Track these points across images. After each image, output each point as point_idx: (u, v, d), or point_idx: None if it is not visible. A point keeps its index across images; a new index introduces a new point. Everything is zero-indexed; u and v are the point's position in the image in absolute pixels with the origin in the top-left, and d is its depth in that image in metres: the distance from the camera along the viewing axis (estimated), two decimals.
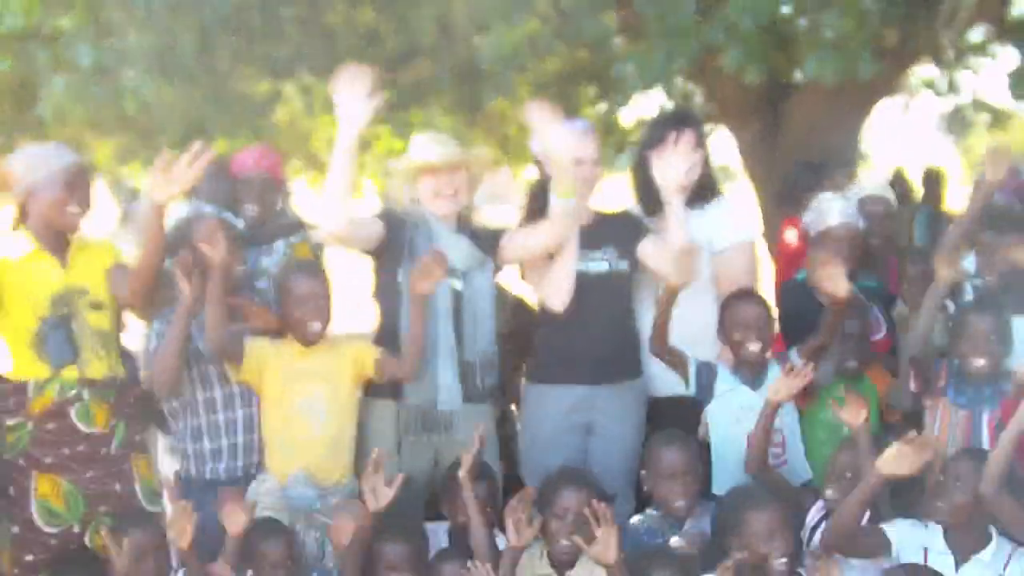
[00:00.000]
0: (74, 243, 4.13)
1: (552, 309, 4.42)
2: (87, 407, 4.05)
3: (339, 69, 4.00)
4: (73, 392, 4.03)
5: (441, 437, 4.28)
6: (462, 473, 4.01)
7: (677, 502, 4.05)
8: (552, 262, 4.41)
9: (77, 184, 4.07)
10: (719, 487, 4.17)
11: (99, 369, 4.09)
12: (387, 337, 4.28)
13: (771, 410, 4.06)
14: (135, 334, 4.48)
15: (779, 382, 4.04)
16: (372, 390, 4.34)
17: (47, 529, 4.02)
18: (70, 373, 4.03)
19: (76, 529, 4.06)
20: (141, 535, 3.84)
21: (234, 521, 3.85)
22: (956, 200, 10.98)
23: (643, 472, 4.17)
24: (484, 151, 4.63)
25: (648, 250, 4.46)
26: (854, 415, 3.93)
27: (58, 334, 4.01)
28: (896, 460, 3.58)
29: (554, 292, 4.41)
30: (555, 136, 4.16)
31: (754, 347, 4.27)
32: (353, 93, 4.03)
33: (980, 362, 3.96)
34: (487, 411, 4.46)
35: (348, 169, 4.14)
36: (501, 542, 4.03)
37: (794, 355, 4.32)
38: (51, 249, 4.07)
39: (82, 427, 4.05)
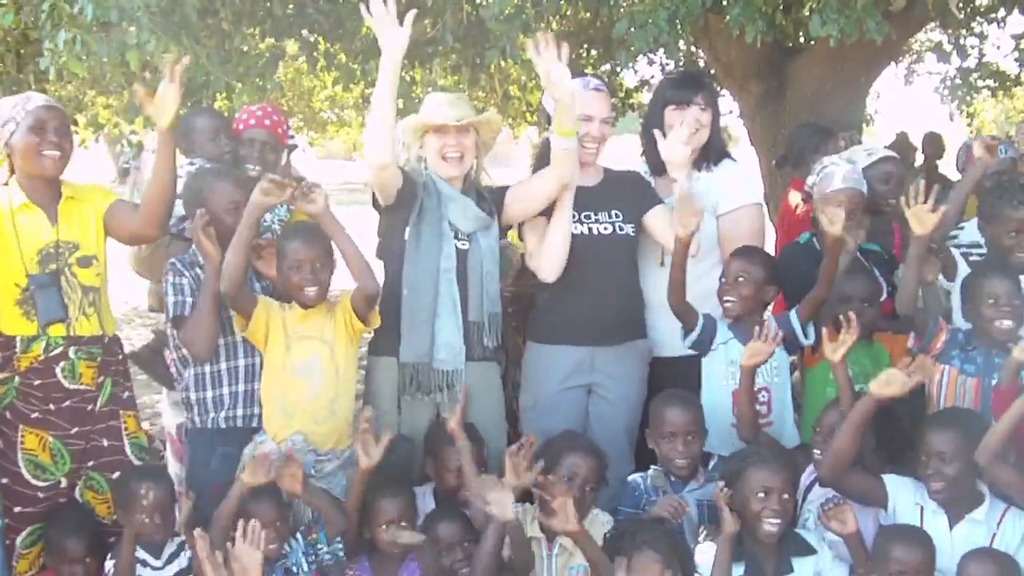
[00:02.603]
0: (64, 195, 4.08)
1: (544, 279, 4.42)
2: (73, 364, 4.04)
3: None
4: (59, 350, 4.02)
5: (442, 396, 4.27)
6: (451, 425, 4.03)
7: (678, 461, 4.08)
8: (547, 229, 4.39)
9: (46, 127, 3.99)
10: (709, 443, 4.19)
11: (87, 327, 4.07)
12: (390, 296, 4.26)
13: (747, 375, 4.08)
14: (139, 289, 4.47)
15: (750, 347, 4.05)
16: (375, 348, 4.37)
17: (35, 482, 4.04)
18: (56, 331, 4.01)
19: (63, 484, 4.08)
20: (154, 491, 3.86)
21: (254, 475, 3.86)
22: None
23: (647, 430, 4.19)
24: (494, 114, 4.57)
25: (655, 221, 4.47)
26: (833, 348, 3.95)
27: (48, 293, 3.97)
28: (887, 383, 3.63)
29: (547, 260, 4.40)
30: (556, 72, 4.11)
31: (730, 303, 4.31)
32: (386, 20, 3.99)
33: (1007, 324, 3.92)
34: (493, 369, 4.47)
35: (392, 98, 4.09)
36: None
37: (794, 317, 4.33)
38: (40, 202, 4.03)
39: (68, 384, 4.04)
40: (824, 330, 4.06)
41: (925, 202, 3.99)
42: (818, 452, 3.97)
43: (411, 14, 4.01)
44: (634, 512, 4.07)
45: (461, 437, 4.04)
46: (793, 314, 4.34)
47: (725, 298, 4.30)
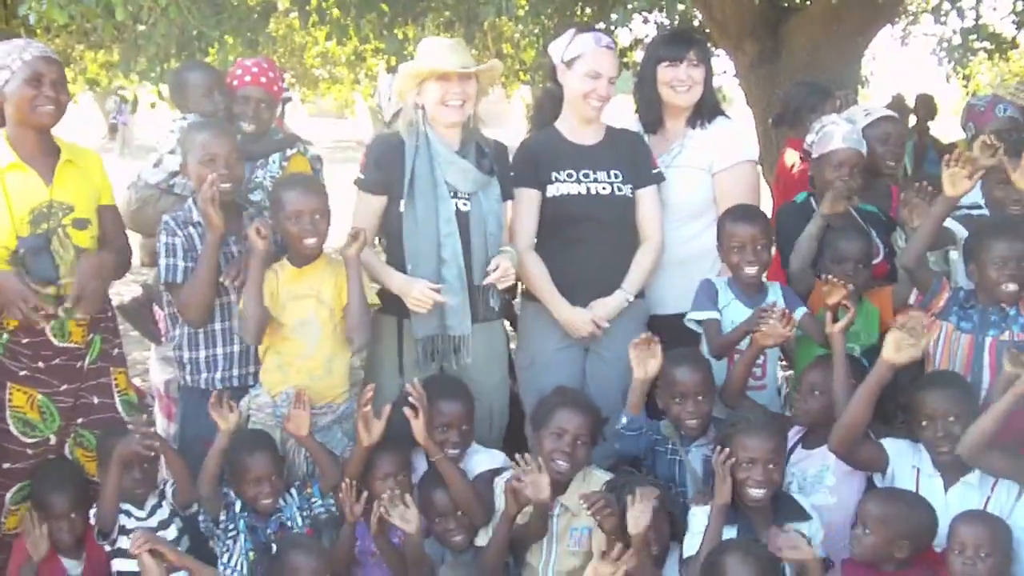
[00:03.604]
0: (62, 155, 4.00)
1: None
2: (62, 323, 3.99)
3: None
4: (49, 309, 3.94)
5: (449, 361, 4.25)
6: (419, 438, 3.97)
7: (689, 421, 4.05)
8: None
9: (43, 80, 3.86)
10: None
11: None
12: (393, 260, 4.24)
13: (755, 351, 4.06)
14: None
15: (771, 328, 3.99)
16: (380, 306, 4.29)
17: (23, 439, 4.01)
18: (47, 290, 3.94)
19: (52, 441, 4.06)
20: (130, 447, 3.85)
21: (224, 419, 3.88)
22: (949, 126, 10.94)
23: (657, 391, 4.15)
24: (497, 62, 4.52)
25: (642, 205, 4.44)
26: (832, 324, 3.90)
27: (39, 255, 3.87)
28: (898, 348, 3.60)
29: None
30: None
31: (750, 270, 4.26)
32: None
33: (1012, 287, 3.88)
34: (497, 329, 4.47)
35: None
36: (487, 460, 4.08)
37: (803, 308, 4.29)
38: (33, 160, 3.94)
39: (57, 342, 4.01)
40: (828, 313, 4.00)
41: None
42: (798, 408, 3.98)
43: None
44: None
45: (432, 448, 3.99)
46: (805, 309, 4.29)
47: (747, 269, 4.24)
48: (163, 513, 3.99)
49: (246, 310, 3.94)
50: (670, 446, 4.09)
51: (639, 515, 3.55)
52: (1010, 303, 3.92)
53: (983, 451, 3.56)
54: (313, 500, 4.02)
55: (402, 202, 4.21)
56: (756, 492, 3.67)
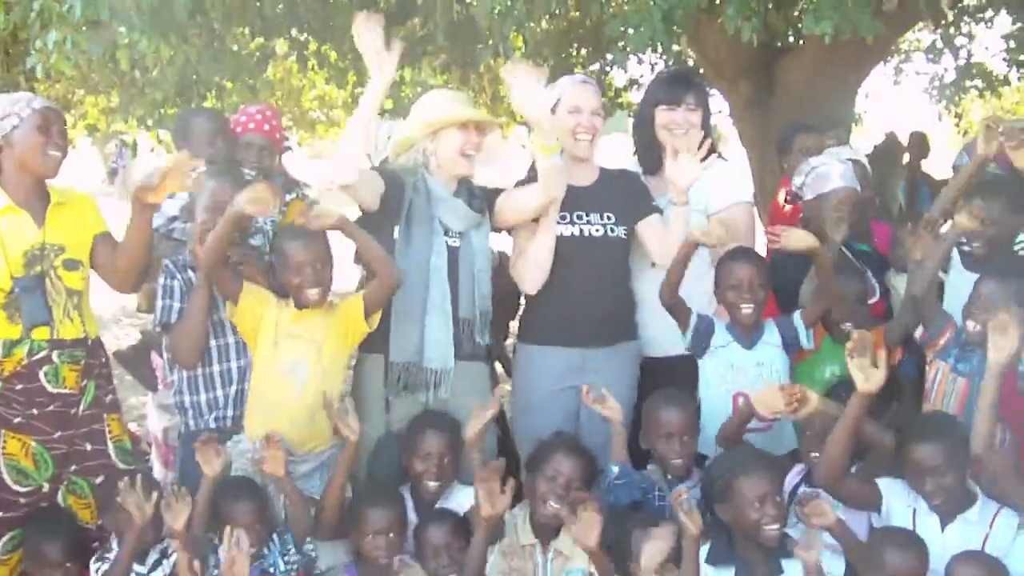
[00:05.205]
0: (53, 198, 4.06)
1: (525, 290, 4.45)
2: (57, 368, 4.01)
3: (357, 18, 3.97)
4: (43, 354, 3.98)
5: (428, 395, 4.24)
6: (469, 435, 4.00)
7: (675, 461, 4.04)
8: (531, 242, 4.38)
9: (52, 127, 3.99)
10: (706, 445, 4.14)
11: (71, 330, 4.04)
12: None
13: (751, 412, 3.99)
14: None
15: (766, 395, 3.91)
16: (363, 344, 4.30)
17: (16, 488, 3.99)
18: (40, 334, 3.97)
19: (45, 489, 4.04)
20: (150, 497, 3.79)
21: (209, 465, 3.83)
22: (942, 164, 10.99)
23: (641, 432, 4.15)
24: (495, 118, 4.59)
25: (647, 232, 4.46)
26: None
27: (33, 295, 3.93)
28: (867, 378, 3.57)
29: (528, 271, 4.41)
30: (527, 94, 4.13)
31: (747, 309, 4.24)
32: (374, 43, 3.99)
33: (970, 325, 3.92)
34: (481, 369, 4.47)
35: (370, 121, 4.14)
36: (469, 497, 4.02)
37: (798, 321, 4.30)
38: (26, 204, 4.00)
39: (51, 388, 4.01)
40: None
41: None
42: (815, 455, 3.90)
43: (397, 45, 4.04)
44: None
45: (477, 451, 4.02)
46: (798, 317, 4.31)
47: (743, 306, 4.23)
48: (166, 568, 3.90)
49: (209, 239, 3.92)
50: (658, 492, 4.04)
51: (655, 552, 3.50)
52: (974, 343, 3.93)
53: (988, 448, 3.60)
54: (289, 549, 3.93)
55: (396, 228, 4.23)
56: (773, 529, 3.62)
